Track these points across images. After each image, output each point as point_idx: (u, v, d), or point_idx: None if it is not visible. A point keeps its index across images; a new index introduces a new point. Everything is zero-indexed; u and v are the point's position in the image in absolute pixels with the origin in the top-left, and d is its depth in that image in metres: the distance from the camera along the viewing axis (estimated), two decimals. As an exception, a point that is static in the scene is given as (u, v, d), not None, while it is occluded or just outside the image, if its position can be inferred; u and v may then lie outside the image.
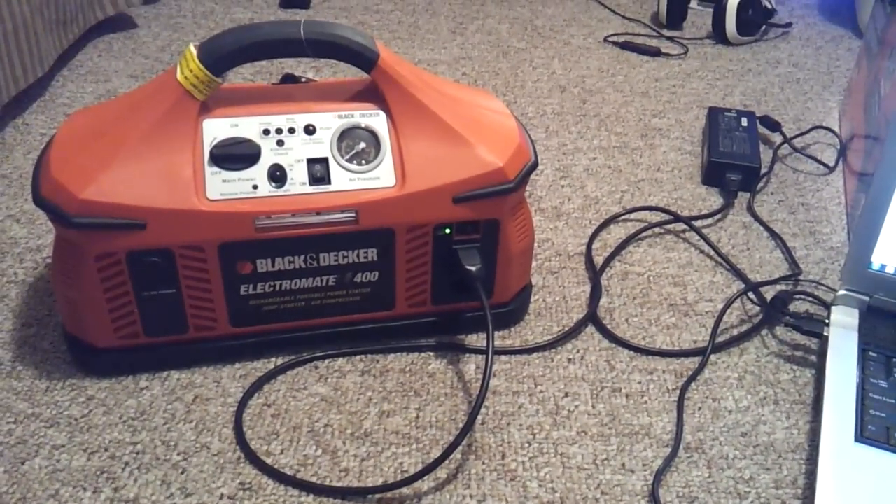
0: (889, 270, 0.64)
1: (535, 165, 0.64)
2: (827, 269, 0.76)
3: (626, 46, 1.21)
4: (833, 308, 0.65)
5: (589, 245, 0.78)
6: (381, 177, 0.60)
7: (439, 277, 0.64)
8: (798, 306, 0.72)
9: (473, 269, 0.62)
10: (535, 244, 0.79)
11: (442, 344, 0.66)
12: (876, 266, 0.64)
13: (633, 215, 0.83)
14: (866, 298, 0.65)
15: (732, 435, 0.59)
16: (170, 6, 1.27)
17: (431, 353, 0.65)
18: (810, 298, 0.72)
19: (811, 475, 0.56)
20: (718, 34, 1.23)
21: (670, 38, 1.24)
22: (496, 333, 0.68)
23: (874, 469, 0.52)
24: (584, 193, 0.87)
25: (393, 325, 0.65)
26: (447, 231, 0.62)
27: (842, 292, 0.66)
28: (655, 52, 1.19)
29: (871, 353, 0.61)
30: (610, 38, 1.23)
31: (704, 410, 0.61)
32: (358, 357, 0.64)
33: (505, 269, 0.66)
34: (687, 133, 0.99)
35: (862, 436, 0.55)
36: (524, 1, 1.37)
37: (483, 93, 0.68)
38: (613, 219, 0.82)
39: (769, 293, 0.73)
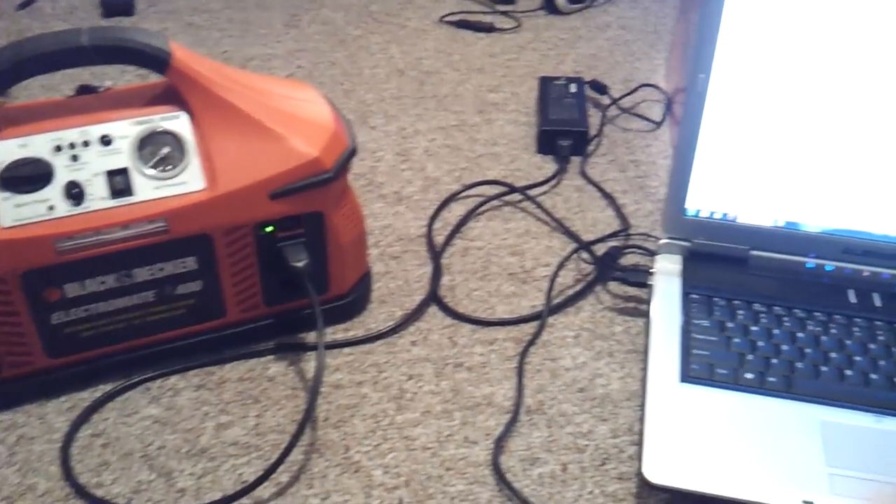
0: (704, 215, 0.67)
1: (353, 152, 0.63)
2: (656, 221, 0.79)
3: (461, 25, 1.22)
4: (657, 257, 0.68)
5: (429, 226, 0.78)
6: (189, 181, 0.58)
7: (268, 278, 0.63)
8: (629, 259, 0.74)
9: (300, 264, 0.61)
10: (377, 231, 0.78)
11: (281, 345, 0.64)
12: (691, 212, 0.67)
13: (471, 191, 0.84)
14: (687, 244, 0.67)
15: (571, 392, 0.61)
16: (-21, 26, 1.19)
17: (271, 357, 0.64)
18: (640, 251, 0.75)
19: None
20: (549, 5, 1.26)
21: (504, 13, 1.26)
22: (338, 326, 0.67)
23: (699, 406, 0.55)
24: (424, 175, 0.87)
25: (226, 333, 0.63)
26: (269, 229, 0.61)
27: (664, 241, 0.68)
28: (489, 28, 1.20)
29: (693, 296, 0.64)
30: (445, 18, 1.24)
31: (543, 372, 0.63)
32: (192, 372, 0.62)
33: (337, 261, 0.65)
34: (522, 105, 1.00)
35: (687, 376, 0.57)
36: (359, -12, 1.36)
37: (296, 83, 0.67)
38: (453, 197, 0.83)
39: (603, 251, 0.75)
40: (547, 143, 0.90)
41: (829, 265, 0.65)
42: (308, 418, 0.54)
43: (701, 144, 0.64)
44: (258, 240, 0.61)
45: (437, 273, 0.72)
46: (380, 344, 0.66)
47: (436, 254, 0.74)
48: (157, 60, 0.57)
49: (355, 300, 0.68)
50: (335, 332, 0.67)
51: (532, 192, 0.83)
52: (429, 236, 0.77)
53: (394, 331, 0.67)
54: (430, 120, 0.97)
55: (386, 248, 0.76)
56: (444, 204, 0.82)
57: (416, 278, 0.72)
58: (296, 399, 0.60)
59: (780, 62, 0.60)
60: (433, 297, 0.70)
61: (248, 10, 1.26)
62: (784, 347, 0.59)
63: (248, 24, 1.21)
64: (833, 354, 0.58)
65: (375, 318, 0.68)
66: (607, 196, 0.83)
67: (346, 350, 0.65)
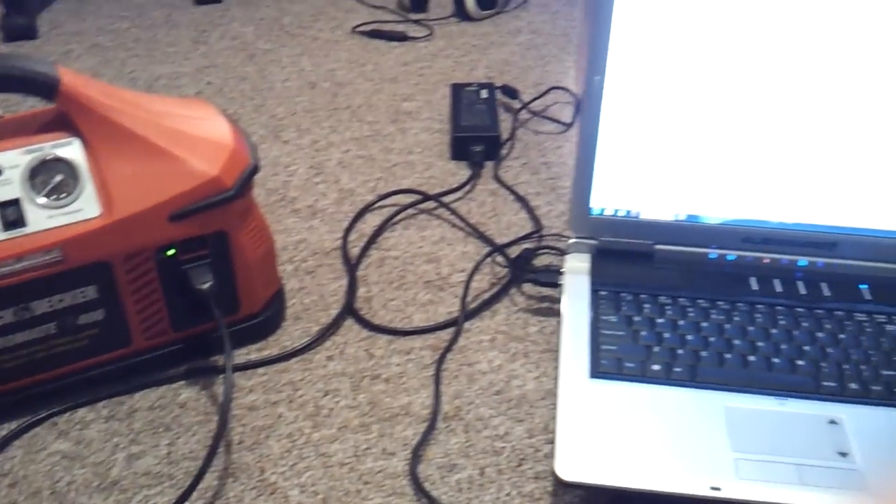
0: (608, 213, 0.68)
1: (255, 169, 0.62)
2: (567, 221, 0.81)
3: (373, 34, 1.22)
4: (567, 257, 0.69)
5: (344, 238, 0.78)
6: (84, 208, 0.56)
7: (175, 302, 0.61)
8: (543, 260, 0.76)
9: (205, 287, 0.60)
10: (291, 246, 0.78)
11: (192, 370, 0.63)
12: (596, 210, 0.68)
13: (386, 201, 0.84)
14: (594, 242, 0.69)
15: (487, 395, 0.61)
16: None
17: (182, 383, 0.63)
18: (553, 251, 0.76)
19: (562, 418, 0.59)
20: (460, 11, 1.27)
21: (416, 21, 1.26)
22: (252, 346, 0.66)
23: (608, 401, 0.56)
24: (338, 187, 0.86)
25: (135, 361, 0.62)
26: (171, 252, 0.59)
27: (572, 240, 0.69)
28: (402, 37, 1.20)
29: (601, 292, 0.65)
30: (358, 29, 1.24)
31: (461, 377, 0.63)
32: (101, 403, 0.61)
33: (246, 280, 0.64)
34: (436, 112, 1.01)
35: (597, 371, 0.58)
36: (270, 0, 1.35)
37: (193, 102, 0.66)
38: (367, 208, 0.82)
39: (517, 254, 0.76)
40: (460, 149, 0.90)
41: (731, 255, 0.67)
42: (217, 443, 0.53)
43: (601, 145, 0.65)
44: (160, 264, 0.59)
45: (352, 285, 0.72)
46: (295, 361, 0.65)
47: (351, 266, 0.74)
48: (44, 87, 0.55)
49: (268, 318, 0.67)
50: (249, 353, 0.66)
51: (446, 199, 0.84)
52: (344, 249, 0.76)
53: (309, 347, 0.66)
54: (344, 131, 0.97)
55: (300, 264, 0.75)
56: (359, 215, 0.81)
57: (332, 292, 0.72)
58: (209, 424, 0.59)
59: (670, 61, 0.62)
60: (349, 310, 0.69)
61: (156, 28, 1.23)
62: (689, 338, 0.60)
63: (154, 43, 1.19)
64: (736, 341, 0.60)
65: (290, 335, 0.68)
66: (520, 199, 0.84)
67: (261, 370, 0.64)
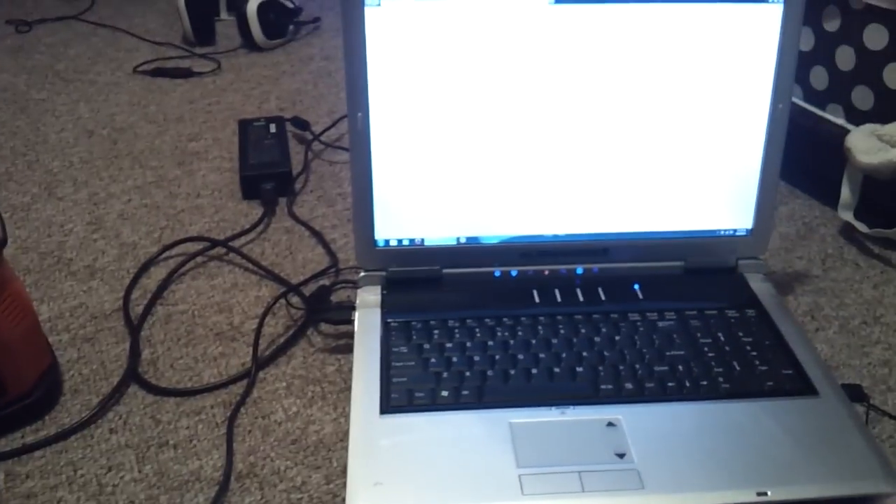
0: (393, 243, 0.68)
1: (3, 242, 0.58)
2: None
3: (157, 73, 1.17)
4: (359, 291, 0.69)
5: (126, 298, 0.73)
6: None
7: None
8: (341, 295, 0.75)
9: (-48, 375, 0.54)
10: (67, 313, 0.72)
11: (-48, 466, 0.57)
12: (381, 243, 0.68)
13: (172, 252, 0.80)
14: (383, 273, 0.69)
15: (283, 446, 0.60)
16: None
17: (-61, 482, 0.57)
18: (351, 285, 0.75)
19: (361, 458, 0.58)
20: (248, 42, 1.24)
21: (203, 56, 1.22)
22: (27, 428, 0.61)
23: (399, 436, 0.55)
24: (119, 242, 0.82)
25: None
26: None
27: (363, 274, 0.69)
28: (187, 73, 1.16)
29: (392, 324, 0.65)
30: (140, 69, 1.18)
31: (255, 432, 0.61)
32: None
33: (7, 361, 0.59)
34: (226, 150, 0.98)
35: (387, 405, 0.58)
36: (43, 47, 1.26)
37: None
38: (151, 261, 0.78)
39: (313, 292, 0.74)
40: (250, 188, 0.88)
41: (514, 270, 0.69)
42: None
43: (377, 177, 0.65)
44: None
45: (135, 348, 0.68)
46: (74, 439, 0.60)
47: (133, 327, 0.70)
48: None
49: (41, 397, 0.62)
50: (24, 436, 0.61)
51: (237, 242, 0.81)
52: (125, 309, 0.72)
53: (89, 421, 0.61)
54: (125, 180, 0.92)
55: (78, 331, 0.70)
56: (142, 270, 0.77)
57: (114, 358, 0.67)
58: (-27, 526, 0.54)
59: (427, 92, 0.63)
60: (132, 376, 0.65)
61: None
62: (476, 358, 0.61)
63: None
64: (520, 356, 0.61)
65: (69, 411, 0.63)
66: (316, 233, 0.83)
67: (37, 453, 0.59)
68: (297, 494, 0.56)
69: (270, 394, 0.64)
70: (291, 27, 1.30)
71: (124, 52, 1.24)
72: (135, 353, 0.67)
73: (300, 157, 0.96)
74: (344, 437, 0.60)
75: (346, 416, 0.62)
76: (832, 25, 0.82)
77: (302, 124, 0.99)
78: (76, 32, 1.32)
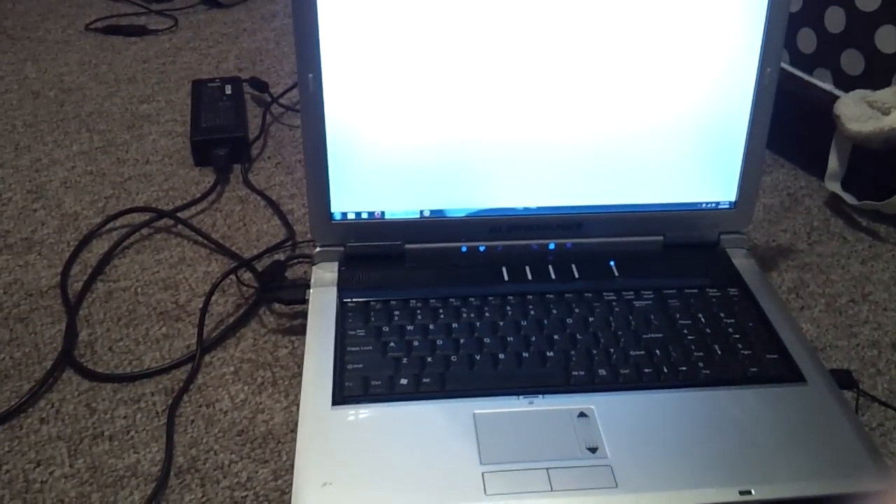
0: (352, 216, 0.63)
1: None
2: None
3: (109, 31, 1.10)
4: (314, 268, 0.63)
5: (64, 273, 0.68)
6: None
7: None
8: (297, 271, 0.70)
9: None
10: (1, 291, 0.67)
11: None
12: (338, 216, 0.63)
13: (116, 223, 0.74)
14: (341, 249, 0.64)
15: (228, 438, 0.55)
16: None
17: None
18: (308, 260, 0.70)
19: (313, 450, 0.54)
20: (208, -2, 1.17)
21: (159, 13, 1.15)
22: (-51, 419, 0.56)
23: (353, 431, 0.51)
24: (61, 212, 0.76)
25: None
26: None
27: (318, 249, 0.64)
28: (142, 31, 1.09)
29: (349, 304, 0.60)
30: (92, 26, 1.11)
31: (198, 422, 0.56)
32: None
33: (-78, 345, 0.53)
34: (179, 113, 0.92)
35: (340, 395, 0.53)
36: (-13, 0, 1.18)
37: None
38: (93, 234, 0.73)
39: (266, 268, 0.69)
40: (202, 154, 0.82)
41: (482, 246, 0.64)
42: None
43: (331, 143, 0.60)
44: None
45: (71, 329, 0.62)
46: (0, 431, 0.55)
47: (70, 306, 0.65)
48: None
49: (-36, 384, 0.57)
50: (-54, 428, 0.56)
51: (186, 213, 0.75)
52: (63, 286, 0.67)
53: (18, 411, 0.56)
54: (70, 145, 0.85)
55: (11, 310, 0.65)
56: (84, 243, 0.71)
57: (48, 339, 0.62)
58: None
59: (385, 53, 0.57)
60: (67, 360, 0.60)
61: None
62: (439, 343, 0.57)
63: None
64: (487, 340, 0.57)
65: (-3, 398, 0.58)
66: (272, 204, 0.77)
67: (-40, 447, 0.54)
68: (242, 492, 0.52)
69: (216, 379, 0.59)
70: (254, -18, 1.23)
71: (76, 7, 1.17)
72: (71, 334, 0.62)
73: (258, 121, 0.90)
74: (295, 427, 0.56)
75: (299, 405, 0.57)
76: (824, -16, 0.77)
77: (260, 86, 0.93)
78: (24, -14, 1.23)
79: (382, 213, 0.63)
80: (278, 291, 0.64)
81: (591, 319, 0.59)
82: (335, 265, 0.63)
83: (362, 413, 0.52)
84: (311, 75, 0.57)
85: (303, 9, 0.56)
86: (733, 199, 0.64)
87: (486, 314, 0.59)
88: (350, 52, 0.57)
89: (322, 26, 0.56)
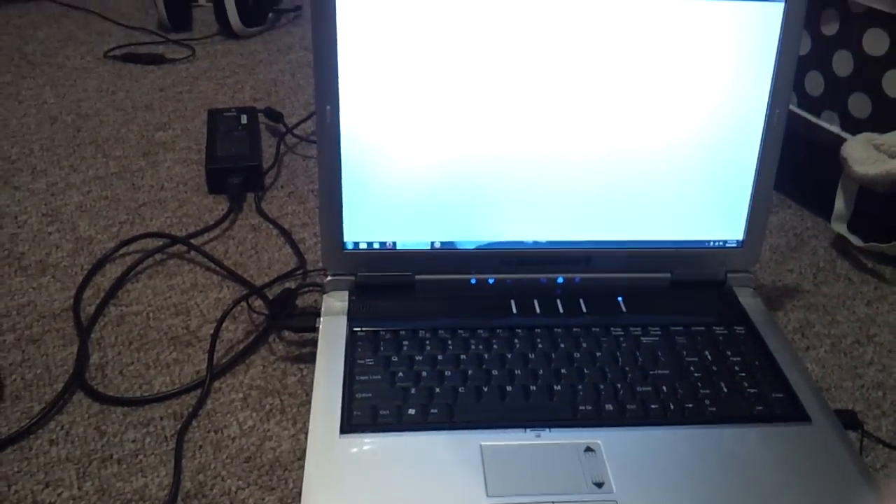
0: (363, 246, 0.64)
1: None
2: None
3: (128, 59, 1.12)
4: (324, 296, 0.64)
5: (77, 297, 0.69)
6: None
7: None
8: (307, 299, 0.70)
9: None
10: (14, 312, 0.68)
11: None
12: (350, 245, 0.64)
13: (129, 248, 0.75)
14: (351, 278, 0.64)
15: (236, 464, 0.55)
16: None
17: None
18: (318, 288, 0.71)
19: (319, 478, 0.54)
20: (224, 29, 1.19)
21: (177, 42, 1.17)
22: (-41, 438, 0.56)
23: (361, 459, 0.51)
24: (75, 236, 0.77)
25: None
26: None
27: (329, 278, 0.65)
28: (160, 60, 1.11)
29: (359, 333, 0.61)
30: (111, 53, 1.13)
31: (206, 447, 0.56)
32: None
33: (-63, 364, 0.54)
34: (194, 141, 0.93)
35: (349, 424, 0.53)
36: (11, 27, 1.21)
37: None
38: (107, 258, 0.74)
39: (277, 295, 0.70)
40: (216, 182, 0.83)
41: (491, 278, 0.65)
42: None
43: (346, 174, 0.61)
44: None
45: (83, 352, 0.63)
46: (10, 451, 0.56)
47: (83, 329, 0.65)
48: None
49: (-24, 404, 0.57)
50: (-43, 447, 0.56)
51: (200, 240, 0.76)
52: (76, 309, 0.67)
53: (28, 432, 0.57)
54: (86, 170, 0.87)
55: (24, 332, 0.66)
56: (97, 267, 0.72)
57: (60, 362, 0.63)
58: None
59: (401, 89, 0.58)
60: (78, 382, 0.61)
61: None
62: (447, 373, 0.57)
63: None
64: (495, 372, 0.57)
65: (8, 419, 0.58)
66: (284, 232, 0.78)
67: (-31, 467, 0.55)
68: (248, 518, 0.52)
69: (225, 405, 0.60)
70: (271, 15, 1.25)
71: (95, 35, 1.19)
72: (82, 357, 0.63)
73: (272, 150, 0.91)
74: (302, 455, 0.56)
75: (307, 433, 0.58)
76: (830, 29, 0.79)
77: (275, 116, 0.95)
78: (46, 14, 1.26)
79: (394, 243, 0.64)
80: (288, 319, 0.65)
81: (598, 354, 0.59)
82: (345, 294, 0.64)
83: (370, 442, 0.52)
84: (328, 107, 0.58)
85: (323, 43, 0.57)
86: (741, 237, 0.65)
87: (495, 346, 0.60)
88: (367, 85, 0.58)
89: (341, 60, 0.57)
